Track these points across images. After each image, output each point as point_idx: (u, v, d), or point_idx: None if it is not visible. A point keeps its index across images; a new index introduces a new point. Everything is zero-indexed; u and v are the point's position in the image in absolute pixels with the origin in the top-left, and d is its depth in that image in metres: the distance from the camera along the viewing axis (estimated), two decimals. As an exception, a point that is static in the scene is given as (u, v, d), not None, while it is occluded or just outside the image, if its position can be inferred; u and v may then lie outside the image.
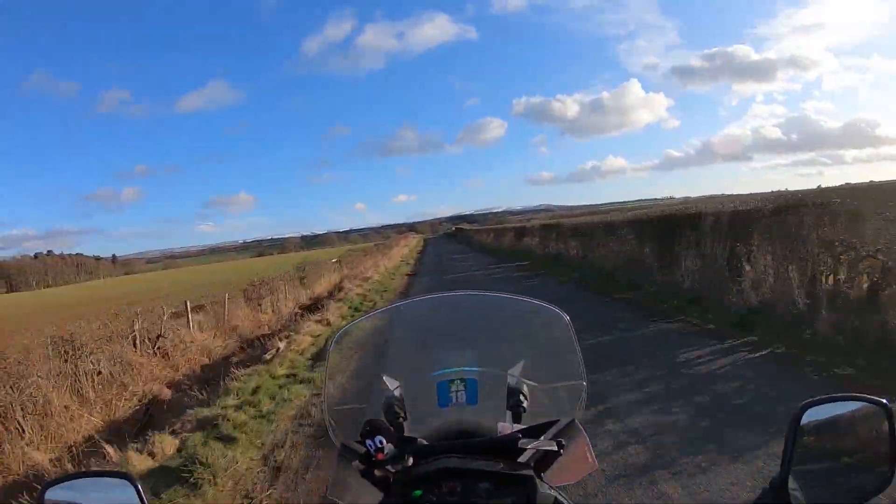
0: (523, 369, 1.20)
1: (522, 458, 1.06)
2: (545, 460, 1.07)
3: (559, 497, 1.01)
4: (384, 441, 1.03)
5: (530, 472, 1.02)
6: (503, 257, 26.96)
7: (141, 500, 0.98)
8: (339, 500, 1.11)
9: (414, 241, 75.26)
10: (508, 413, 1.16)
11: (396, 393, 1.19)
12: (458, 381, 1.18)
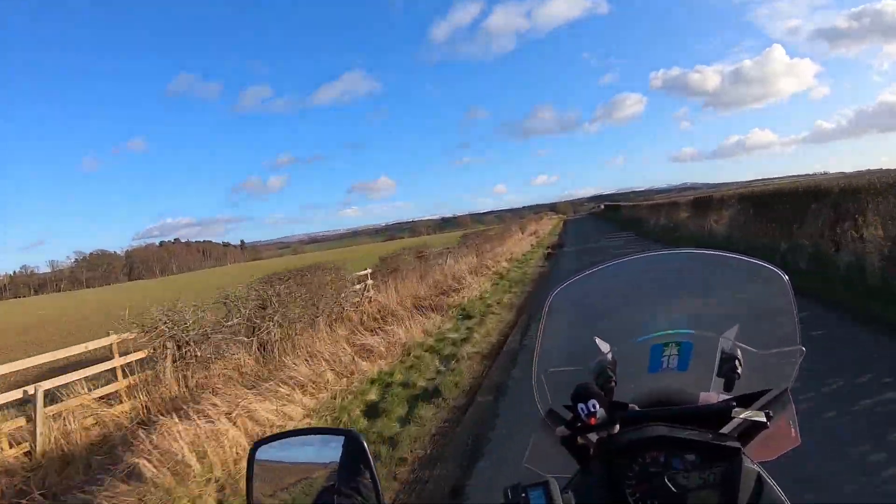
0: (738, 333, 1.12)
1: (726, 429, 1.02)
2: (749, 432, 1.02)
3: (763, 473, 0.96)
4: (597, 405, 0.98)
5: (737, 445, 0.98)
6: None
7: (364, 455, 0.98)
8: (535, 469, 1.08)
9: (549, 225, 64.88)
10: (716, 380, 1.09)
11: (608, 356, 1.14)
12: (672, 345, 1.13)
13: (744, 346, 1.10)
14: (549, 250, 26.76)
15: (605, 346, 1.16)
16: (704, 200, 22.57)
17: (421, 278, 15.25)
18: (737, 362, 1.07)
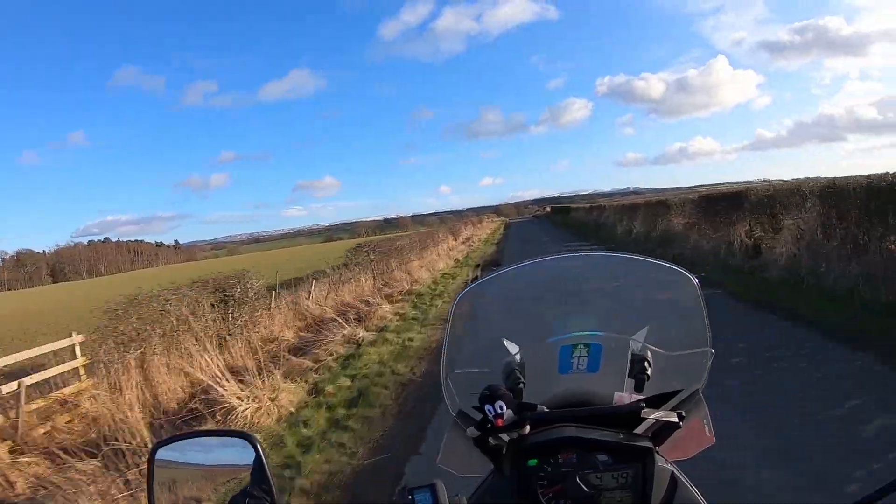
0: (647, 335, 1.14)
1: (639, 430, 1.03)
2: (662, 432, 1.03)
3: (676, 472, 0.98)
4: (504, 406, 0.97)
5: (649, 445, 0.99)
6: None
7: (261, 459, 0.97)
8: (449, 468, 1.09)
9: (489, 229, 54.67)
10: (628, 381, 1.11)
11: (517, 358, 1.14)
12: (582, 347, 1.13)
13: (653, 347, 1.12)
14: (476, 274, 17.08)
15: (513, 348, 1.16)
16: (714, 199, 15.48)
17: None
18: (646, 364, 1.09)
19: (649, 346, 1.12)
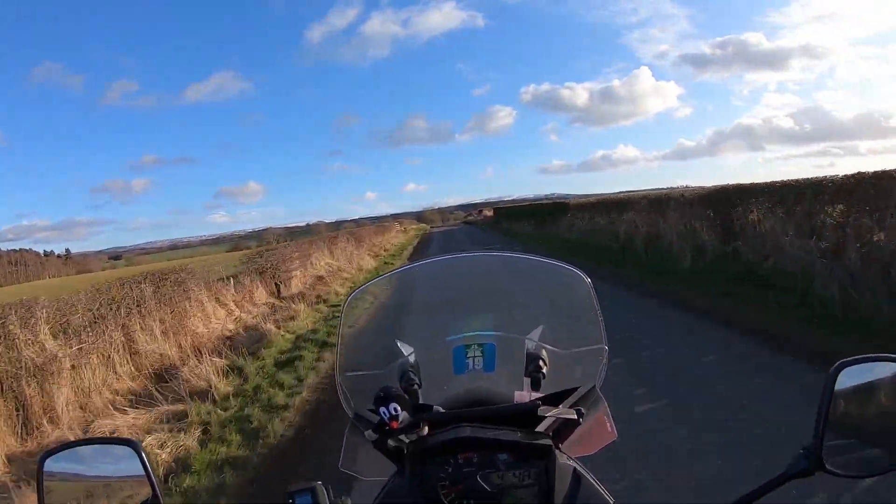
0: (542, 334, 1.16)
1: (541, 428, 1.03)
2: (564, 430, 1.03)
3: (578, 468, 0.98)
4: (398, 409, 0.97)
5: (549, 442, 0.99)
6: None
7: (145, 466, 0.93)
8: (351, 472, 1.08)
9: (397, 240, 35.65)
10: (527, 380, 1.11)
11: (411, 359, 1.14)
12: (475, 347, 1.14)
13: (548, 346, 1.14)
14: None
15: (406, 349, 1.16)
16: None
17: None
18: (541, 362, 1.10)
19: (544, 344, 1.14)
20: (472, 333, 1.15)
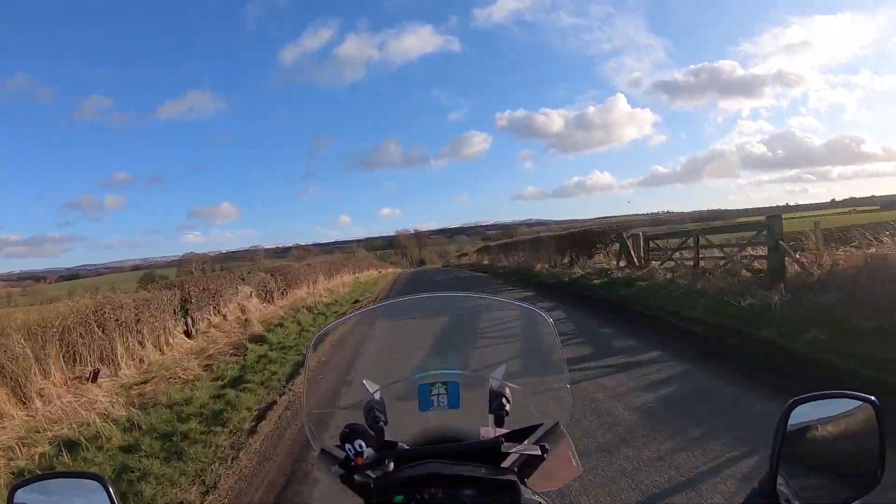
0: (506, 372, 1.19)
1: (506, 463, 1.04)
2: (529, 465, 1.05)
3: (543, 502, 0.99)
4: (364, 445, 0.99)
5: (514, 478, 1.00)
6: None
7: (112, 501, 0.95)
8: None
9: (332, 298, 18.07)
10: (491, 417, 1.13)
11: (376, 396, 1.17)
12: (439, 385, 1.16)
13: (511, 384, 1.16)
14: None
15: (372, 387, 1.18)
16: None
17: None
18: (504, 399, 1.13)
19: (507, 382, 1.16)
20: (436, 372, 1.18)
